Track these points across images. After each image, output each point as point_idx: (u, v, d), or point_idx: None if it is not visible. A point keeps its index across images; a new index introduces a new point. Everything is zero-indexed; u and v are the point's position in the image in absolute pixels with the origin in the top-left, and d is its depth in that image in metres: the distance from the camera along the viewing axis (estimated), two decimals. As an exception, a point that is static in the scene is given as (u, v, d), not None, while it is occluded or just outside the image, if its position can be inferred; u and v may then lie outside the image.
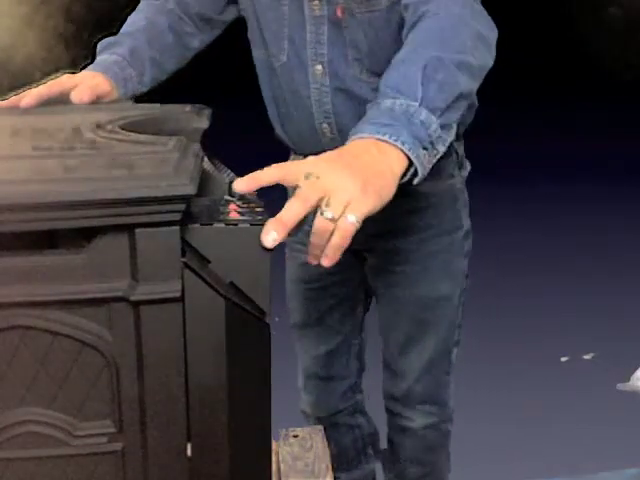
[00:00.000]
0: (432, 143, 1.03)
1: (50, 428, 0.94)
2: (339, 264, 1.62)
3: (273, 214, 0.99)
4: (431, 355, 1.67)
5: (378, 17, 1.35)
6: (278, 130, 1.66)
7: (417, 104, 1.02)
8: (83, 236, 0.89)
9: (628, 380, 2.72)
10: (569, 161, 5.16)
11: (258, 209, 1.00)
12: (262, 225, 0.96)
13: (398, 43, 1.26)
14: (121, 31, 1.46)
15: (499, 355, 2.76)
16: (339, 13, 1.36)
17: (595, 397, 2.62)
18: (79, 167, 0.91)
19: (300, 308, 1.75)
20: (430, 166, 1.06)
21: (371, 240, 1.55)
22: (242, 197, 1.02)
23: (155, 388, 0.94)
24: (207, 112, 1.22)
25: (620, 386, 2.71)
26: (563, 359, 2.94)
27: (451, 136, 1.09)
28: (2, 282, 0.88)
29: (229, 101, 3.96)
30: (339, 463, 1.81)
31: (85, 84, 1.26)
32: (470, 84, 1.12)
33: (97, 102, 1.26)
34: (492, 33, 1.19)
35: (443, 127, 1.05)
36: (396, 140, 0.98)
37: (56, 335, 0.91)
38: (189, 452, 0.99)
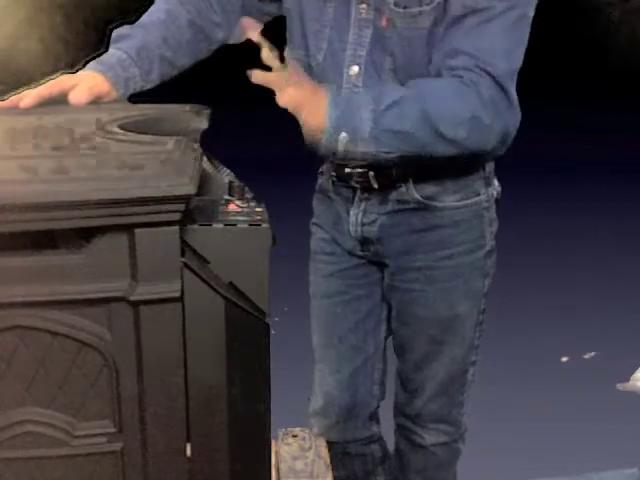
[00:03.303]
0: (355, 136, 1.28)
1: (50, 428, 0.94)
2: (365, 276, 1.61)
3: (274, 214, 0.99)
4: (446, 375, 1.64)
5: (418, 35, 1.36)
6: None
7: (371, 108, 1.28)
8: (83, 236, 0.89)
9: (628, 380, 2.72)
10: (569, 161, 5.16)
11: (257, 209, 1.00)
12: (261, 225, 0.96)
13: (429, 65, 1.36)
14: (139, 21, 1.44)
15: (499, 355, 2.76)
16: (384, 23, 1.37)
17: (595, 397, 2.62)
18: (79, 167, 0.91)
19: (324, 326, 1.71)
20: (341, 149, 1.29)
21: (394, 255, 1.55)
22: (242, 197, 1.02)
23: (155, 388, 0.94)
24: (206, 112, 1.22)
25: (620, 386, 2.71)
26: (563, 359, 2.94)
27: (375, 148, 1.30)
28: (2, 282, 0.88)
29: (229, 101, 3.96)
30: None
31: (84, 85, 1.26)
32: (426, 138, 1.30)
33: (96, 102, 1.26)
34: (500, 123, 1.33)
35: (374, 137, 1.28)
36: (330, 109, 1.28)
37: (56, 335, 0.91)
38: (189, 452, 0.99)
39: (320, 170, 1.64)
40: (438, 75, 1.35)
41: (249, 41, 1.53)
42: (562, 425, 2.47)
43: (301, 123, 1.28)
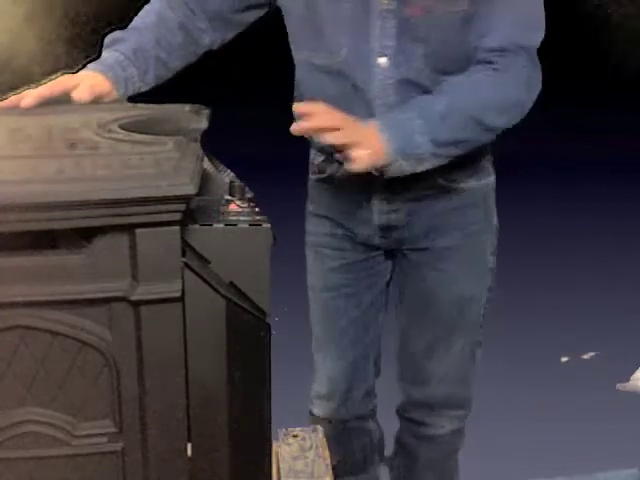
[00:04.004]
0: (417, 160, 1.34)
1: (50, 428, 0.94)
2: (370, 268, 1.62)
3: (274, 214, 0.99)
4: (458, 357, 1.66)
5: (455, 19, 1.38)
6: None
7: (424, 130, 1.32)
8: (83, 236, 0.89)
9: (628, 380, 2.72)
10: (569, 161, 5.16)
11: (258, 209, 1.00)
12: (262, 225, 0.96)
13: (464, 46, 1.39)
14: (130, 25, 1.45)
15: (499, 355, 2.76)
16: (418, 11, 1.38)
17: (595, 397, 2.62)
18: (79, 167, 0.91)
19: (324, 320, 1.72)
20: (406, 173, 1.34)
21: (416, 238, 1.56)
22: (242, 197, 1.02)
23: (155, 388, 0.94)
24: (206, 112, 1.22)
25: (620, 386, 2.70)
26: (563, 359, 2.94)
27: (438, 162, 1.37)
28: (2, 282, 0.88)
29: (229, 101, 3.96)
30: (345, 468, 1.80)
31: (85, 83, 1.26)
32: (477, 137, 1.39)
33: (97, 102, 1.27)
34: (533, 95, 1.41)
35: (434, 155, 1.34)
36: (388, 144, 1.31)
37: (56, 335, 0.91)
38: (189, 452, 0.99)
39: (319, 159, 1.61)
40: (472, 55, 1.40)
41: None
42: (562, 425, 2.47)
43: (351, 156, 1.29)
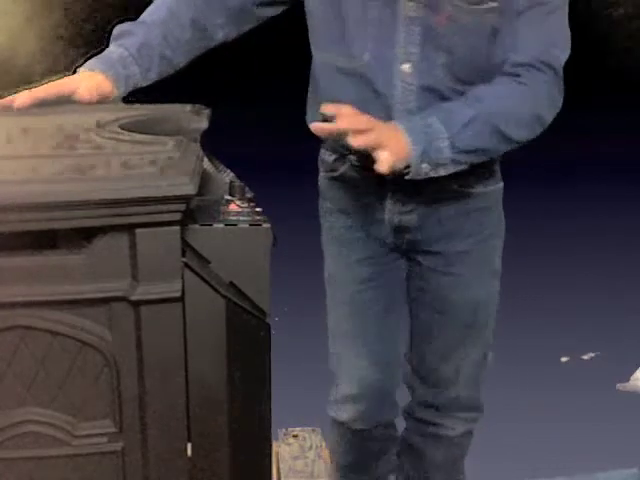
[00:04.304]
0: (436, 165, 1.34)
1: (50, 428, 0.94)
2: (394, 261, 1.60)
3: (274, 214, 0.99)
4: (471, 360, 1.65)
5: (482, 30, 1.39)
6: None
7: (446, 136, 1.34)
8: (83, 236, 0.89)
9: (628, 380, 2.72)
10: (569, 161, 5.16)
11: (258, 209, 1.00)
12: (262, 225, 0.96)
13: (487, 58, 1.40)
14: (141, 17, 1.44)
15: (499, 355, 2.76)
16: (443, 20, 1.38)
17: (595, 397, 2.61)
18: (79, 167, 0.91)
19: (353, 316, 1.67)
20: (424, 177, 1.35)
21: (429, 241, 1.56)
22: (242, 197, 1.02)
23: (155, 388, 0.94)
24: (206, 112, 1.22)
25: (620, 386, 2.70)
26: (563, 359, 2.94)
27: (455, 169, 1.38)
28: (2, 282, 0.88)
29: (229, 101, 3.96)
30: (356, 469, 1.79)
31: (84, 86, 1.26)
32: (495, 147, 1.42)
33: (99, 102, 1.26)
34: (554, 112, 1.43)
35: (453, 161, 1.36)
36: (412, 148, 1.32)
37: (56, 335, 0.91)
38: (189, 452, 0.99)
39: (331, 158, 1.59)
40: (495, 68, 1.41)
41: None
42: (562, 425, 2.47)
43: (377, 157, 1.28)
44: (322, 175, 1.64)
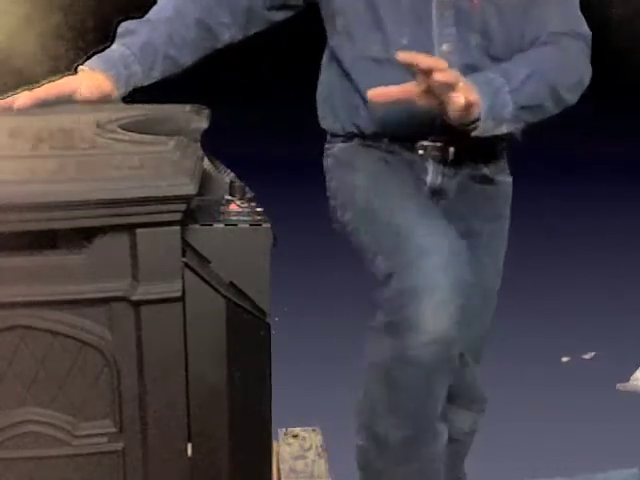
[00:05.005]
0: (501, 121, 1.35)
1: (50, 428, 0.94)
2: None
3: (274, 214, 0.99)
4: (480, 350, 1.64)
5: (515, 11, 1.43)
6: (367, 124, 1.50)
7: (508, 89, 1.34)
8: (84, 236, 0.89)
9: (628, 380, 2.72)
10: (570, 161, 5.16)
11: (258, 209, 1.00)
12: (262, 225, 0.96)
13: (521, 38, 1.44)
14: (146, 16, 1.43)
15: (499, 355, 2.76)
16: (476, 3, 1.43)
17: (595, 397, 2.61)
18: (79, 167, 0.91)
19: (413, 196, 1.43)
20: (487, 134, 1.35)
21: (461, 214, 1.52)
22: (242, 197, 1.02)
23: (155, 388, 0.94)
24: (206, 112, 1.22)
25: (620, 386, 2.70)
26: (563, 359, 2.94)
27: (513, 126, 1.39)
28: (2, 282, 0.88)
29: (229, 101, 3.96)
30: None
31: (85, 86, 1.26)
32: (550, 107, 1.43)
33: (100, 102, 1.27)
34: (588, 81, 1.48)
35: (514, 117, 1.36)
36: (482, 100, 1.29)
37: (56, 335, 0.91)
38: (190, 452, 0.99)
39: (366, 127, 1.50)
40: (531, 45, 1.45)
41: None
42: (562, 425, 2.47)
43: (444, 106, 1.27)
44: (346, 145, 1.54)
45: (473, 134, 1.34)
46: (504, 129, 1.38)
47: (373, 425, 1.36)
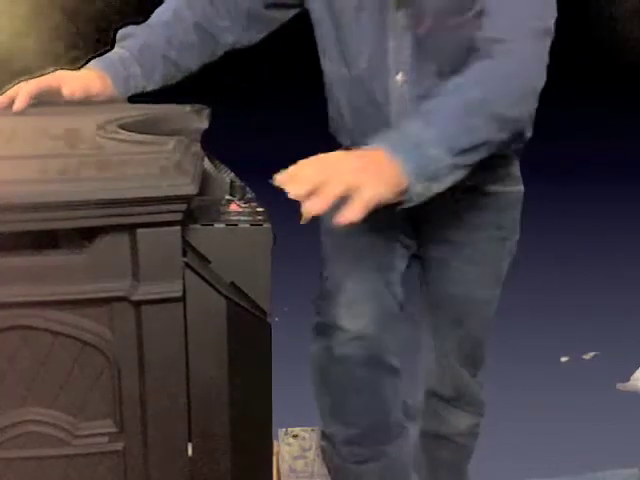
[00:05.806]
0: (437, 177, 1.14)
1: (51, 428, 0.94)
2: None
3: (274, 214, 0.99)
4: (468, 350, 1.63)
5: (463, 39, 1.32)
6: (345, 138, 1.53)
7: (436, 139, 1.14)
8: (84, 236, 0.89)
9: (628, 380, 2.72)
10: (570, 161, 5.16)
11: (259, 209, 1.00)
12: (262, 225, 0.96)
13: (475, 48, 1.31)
14: (147, 21, 1.44)
15: (499, 355, 2.77)
16: (424, 30, 1.35)
17: (595, 397, 2.61)
18: (79, 167, 0.91)
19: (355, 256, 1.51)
20: (430, 195, 1.14)
21: (433, 229, 1.53)
22: (243, 197, 1.02)
23: (156, 388, 0.94)
24: (207, 112, 1.22)
25: (620, 386, 2.70)
26: (563, 359, 2.94)
27: (464, 174, 1.18)
28: (3, 282, 0.88)
29: (229, 101, 3.96)
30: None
31: (77, 80, 1.26)
32: (495, 136, 1.22)
33: (90, 99, 1.27)
34: (538, 80, 1.28)
35: (454, 166, 1.15)
36: (403, 167, 1.09)
37: (57, 335, 0.91)
38: (190, 452, 0.99)
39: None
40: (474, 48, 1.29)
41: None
42: (562, 425, 2.47)
43: (363, 197, 1.03)
44: None
45: (406, 206, 1.12)
46: (448, 182, 1.15)
47: (324, 425, 1.60)
